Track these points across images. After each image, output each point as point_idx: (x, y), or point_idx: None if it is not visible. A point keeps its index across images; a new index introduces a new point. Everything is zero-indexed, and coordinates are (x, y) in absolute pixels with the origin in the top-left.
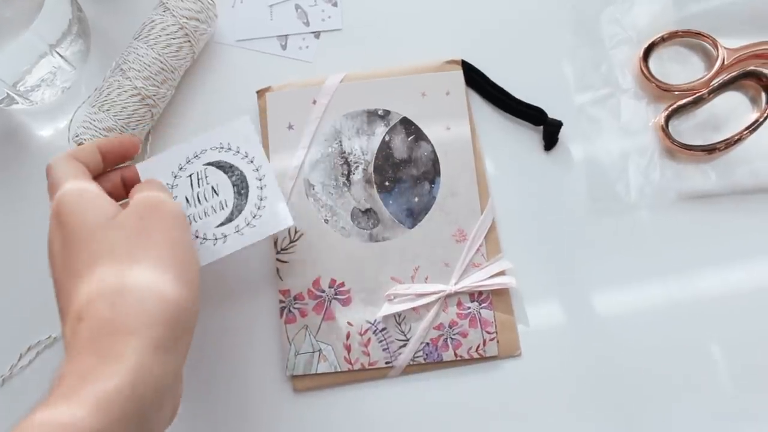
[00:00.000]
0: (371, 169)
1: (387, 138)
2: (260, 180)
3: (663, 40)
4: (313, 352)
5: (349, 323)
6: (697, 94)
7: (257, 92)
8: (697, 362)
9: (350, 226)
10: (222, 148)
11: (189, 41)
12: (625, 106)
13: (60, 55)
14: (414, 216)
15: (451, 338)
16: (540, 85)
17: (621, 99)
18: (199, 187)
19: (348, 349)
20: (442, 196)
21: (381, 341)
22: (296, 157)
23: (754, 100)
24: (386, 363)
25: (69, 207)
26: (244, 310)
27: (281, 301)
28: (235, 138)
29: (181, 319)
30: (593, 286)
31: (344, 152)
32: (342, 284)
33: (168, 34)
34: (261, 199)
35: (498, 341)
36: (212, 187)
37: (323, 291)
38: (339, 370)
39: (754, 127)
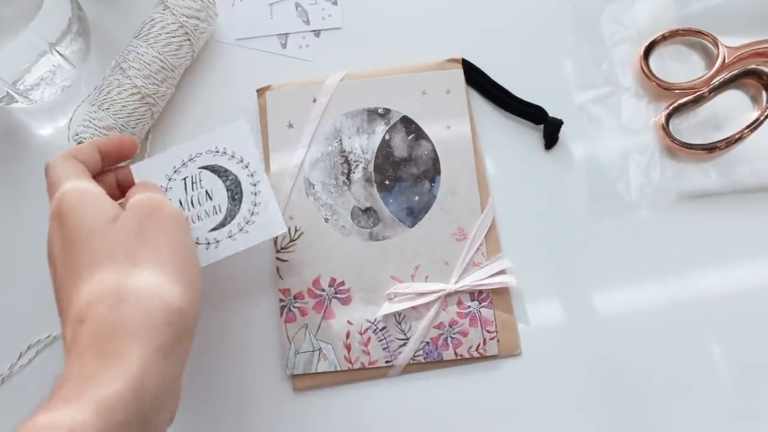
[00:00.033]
0: (371, 167)
1: (387, 137)
2: (255, 186)
3: (664, 38)
4: (313, 351)
5: (349, 322)
6: (698, 93)
7: (257, 91)
8: (697, 362)
9: (350, 225)
10: (217, 152)
11: (189, 40)
12: (625, 104)
13: (60, 54)
14: (414, 215)
15: (452, 337)
16: (540, 84)
17: (621, 98)
18: (193, 190)
19: (348, 348)
20: (442, 195)
21: (381, 340)
22: (296, 155)
23: (755, 99)
24: (386, 362)
25: (70, 207)
26: (244, 309)
27: (281, 300)
28: (230, 142)
29: (182, 322)
30: (593, 285)
31: (344, 151)
32: (342, 283)
33: (168, 33)
34: (255, 205)
35: (498, 340)
36: (206, 191)
37: (323, 290)
38: (339, 369)
39: (754, 125)
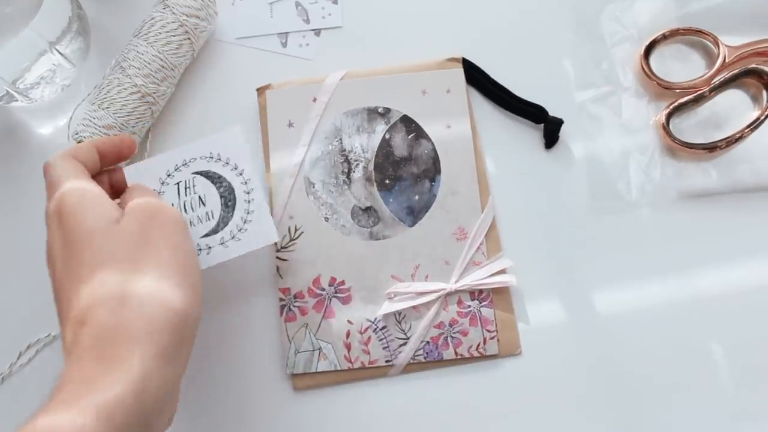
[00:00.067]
0: (371, 167)
1: (387, 136)
2: (248, 193)
3: (664, 37)
4: (313, 350)
5: (349, 321)
6: (698, 92)
7: (257, 90)
8: (697, 362)
9: (350, 224)
10: (211, 158)
11: (189, 39)
12: (626, 104)
13: (60, 53)
14: (414, 214)
15: (452, 337)
16: (541, 83)
17: (622, 97)
18: (186, 195)
19: (348, 347)
20: (442, 194)
21: (381, 339)
22: (296, 154)
23: (756, 98)
24: (386, 361)
25: (71, 207)
26: (244, 309)
27: (281, 300)
28: (225, 148)
29: (184, 326)
30: (594, 285)
31: (344, 150)
32: (342, 282)
33: (168, 32)
34: (248, 213)
35: (498, 340)
36: (199, 197)
37: (323, 289)
38: (339, 368)
39: (755, 125)
